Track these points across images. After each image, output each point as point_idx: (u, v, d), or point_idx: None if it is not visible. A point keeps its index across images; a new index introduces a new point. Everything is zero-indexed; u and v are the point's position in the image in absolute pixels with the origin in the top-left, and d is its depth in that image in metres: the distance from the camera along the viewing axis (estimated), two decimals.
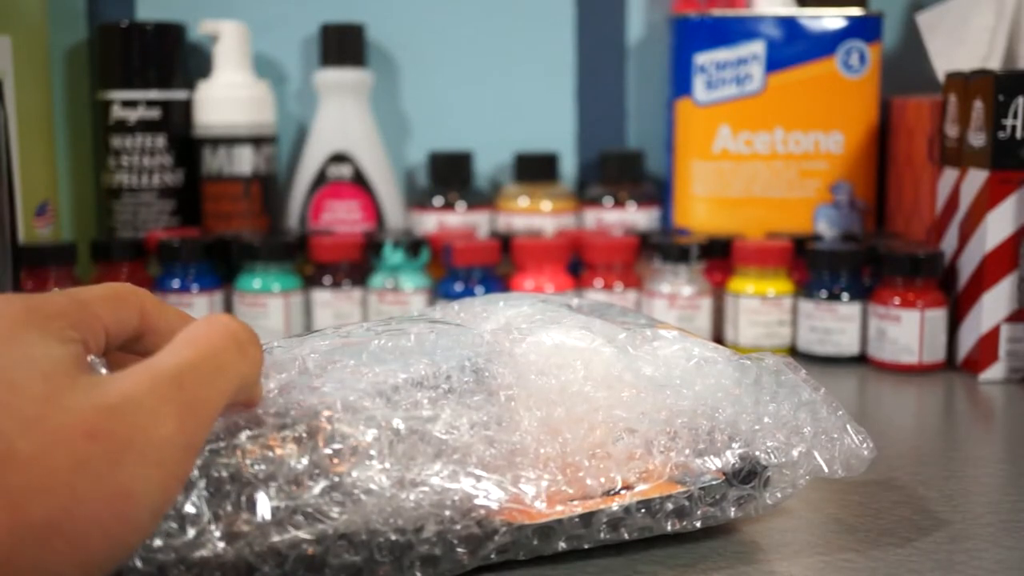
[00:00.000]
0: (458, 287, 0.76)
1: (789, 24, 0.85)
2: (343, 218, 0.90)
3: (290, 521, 0.36)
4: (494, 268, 0.78)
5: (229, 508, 0.36)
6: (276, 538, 0.36)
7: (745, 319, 0.75)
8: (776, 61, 0.85)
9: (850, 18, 0.85)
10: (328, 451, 0.38)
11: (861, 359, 0.73)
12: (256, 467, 0.37)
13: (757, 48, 0.85)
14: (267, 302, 0.76)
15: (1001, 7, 0.79)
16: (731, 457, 0.42)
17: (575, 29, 0.95)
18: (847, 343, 0.73)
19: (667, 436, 0.42)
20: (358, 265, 0.79)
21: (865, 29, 0.85)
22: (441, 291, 0.77)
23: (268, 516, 0.36)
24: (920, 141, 0.79)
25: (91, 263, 0.79)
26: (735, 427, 0.43)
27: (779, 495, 0.43)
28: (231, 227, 0.87)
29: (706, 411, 0.43)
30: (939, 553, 0.43)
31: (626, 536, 0.41)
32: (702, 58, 0.85)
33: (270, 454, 0.37)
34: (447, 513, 0.38)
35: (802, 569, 0.42)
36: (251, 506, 0.36)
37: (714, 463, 0.42)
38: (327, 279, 0.78)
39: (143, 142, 0.87)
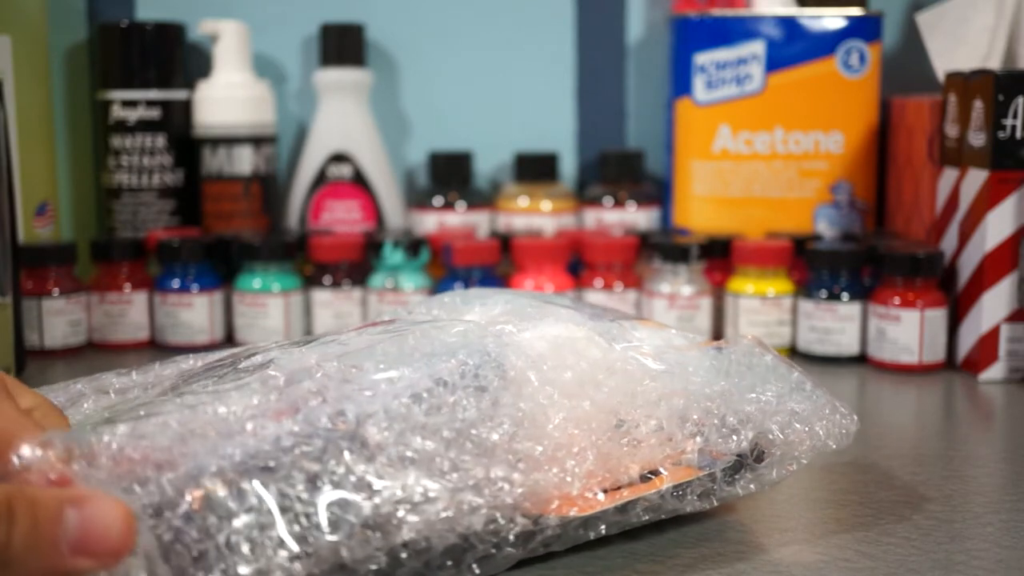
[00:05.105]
0: (458, 287, 0.76)
1: (789, 24, 0.85)
2: (343, 218, 0.90)
3: (358, 534, 0.36)
4: (494, 268, 0.78)
5: (294, 526, 0.35)
6: (344, 553, 0.35)
7: (745, 319, 0.75)
8: (776, 61, 0.85)
9: (850, 18, 0.85)
10: (384, 460, 0.37)
11: (861, 359, 0.73)
12: (316, 480, 0.36)
13: (757, 48, 0.85)
14: (267, 302, 0.76)
15: (1001, 7, 0.79)
16: (744, 438, 0.43)
17: (575, 29, 0.95)
18: (847, 343, 0.73)
19: (687, 421, 0.43)
20: (358, 265, 0.79)
21: (865, 29, 0.85)
22: (441, 291, 0.77)
23: (333, 530, 0.35)
24: (920, 141, 0.79)
25: (91, 263, 0.79)
26: (742, 409, 0.44)
27: (784, 472, 0.44)
28: (231, 227, 0.87)
29: (713, 395, 0.44)
30: (939, 553, 0.43)
31: (651, 519, 0.42)
32: (702, 58, 0.85)
33: (331, 467, 0.37)
34: (503, 512, 0.38)
35: (802, 568, 0.42)
36: (316, 521, 0.35)
37: (730, 445, 0.43)
38: (327, 279, 0.78)
39: (143, 142, 0.87)
